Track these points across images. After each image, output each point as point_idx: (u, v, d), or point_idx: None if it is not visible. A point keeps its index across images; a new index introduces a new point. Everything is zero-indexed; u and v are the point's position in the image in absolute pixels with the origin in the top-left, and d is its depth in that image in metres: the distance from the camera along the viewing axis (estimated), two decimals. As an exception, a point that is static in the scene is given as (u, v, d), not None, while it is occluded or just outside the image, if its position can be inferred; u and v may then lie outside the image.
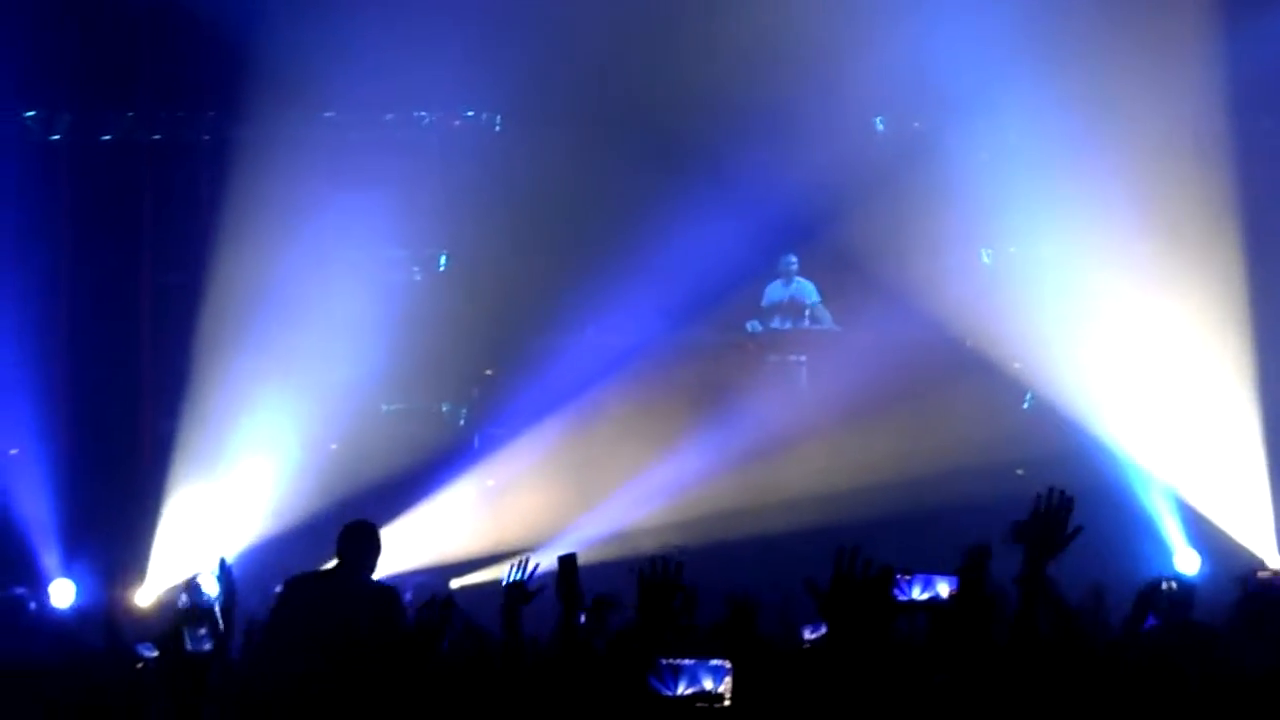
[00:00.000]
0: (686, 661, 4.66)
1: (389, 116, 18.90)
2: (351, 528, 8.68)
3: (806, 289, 18.92)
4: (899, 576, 4.97)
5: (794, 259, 18.89)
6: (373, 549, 8.62)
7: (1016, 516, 15.96)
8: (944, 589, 4.96)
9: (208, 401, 17.35)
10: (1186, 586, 9.74)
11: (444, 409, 18.79)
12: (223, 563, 9.96)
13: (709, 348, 18.82)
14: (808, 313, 18.80)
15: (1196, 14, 17.10)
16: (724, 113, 17.77)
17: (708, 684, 4.65)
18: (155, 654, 10.50)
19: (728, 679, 4.59)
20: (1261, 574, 13.75)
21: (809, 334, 18.77)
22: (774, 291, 19.06)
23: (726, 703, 4.57)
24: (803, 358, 18.34)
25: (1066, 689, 4.92)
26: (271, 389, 17.24)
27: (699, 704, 4.59)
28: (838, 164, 17.55)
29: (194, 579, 10.62)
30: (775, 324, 18.90)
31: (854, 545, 4.53)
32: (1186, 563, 15.99)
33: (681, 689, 4.63)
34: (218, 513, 16.57)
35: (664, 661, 4.65)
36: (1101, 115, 17.23)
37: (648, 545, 15.64)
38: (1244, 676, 5.38)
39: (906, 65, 17.46)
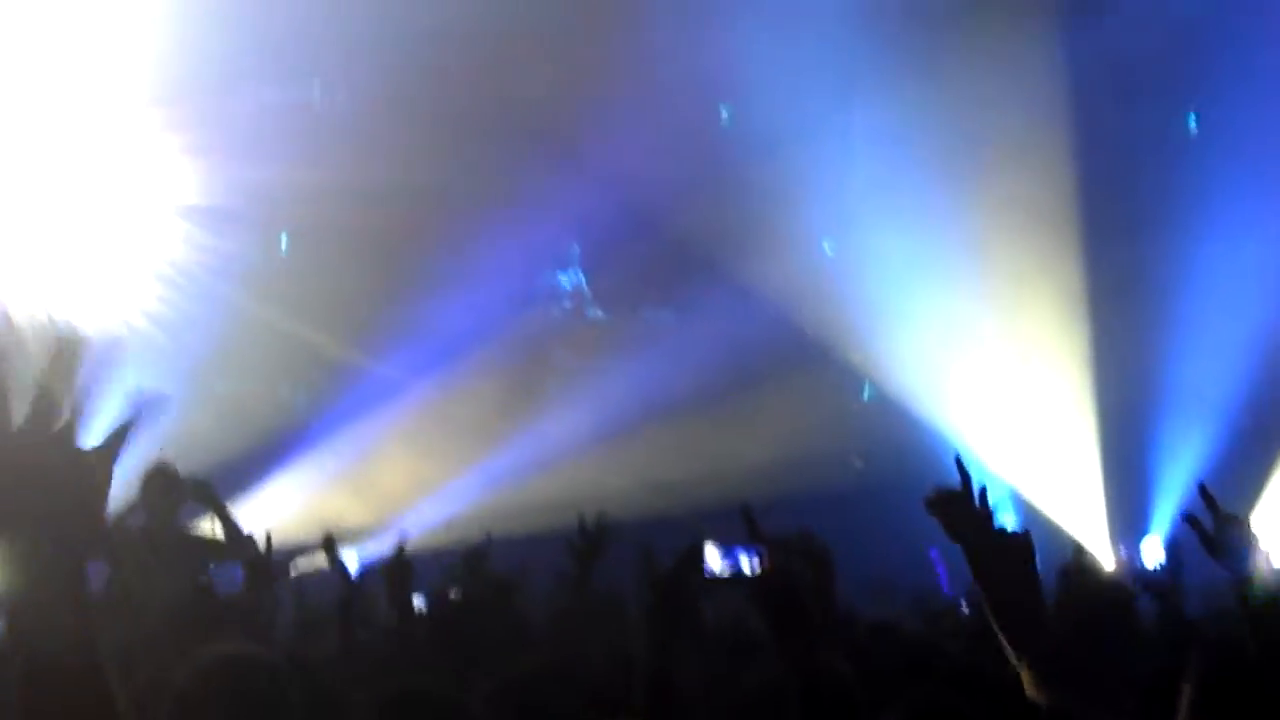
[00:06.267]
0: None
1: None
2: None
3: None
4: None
5: (578, 247, 19.02)
6: None
7: (853, 507, 15.95)
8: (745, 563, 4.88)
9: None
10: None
11: (281, 391, 18.46)
12: None
13: (553, 330, 18.83)
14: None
15: (1040, 8, 17.40)
16: (567, 102, 17.53)
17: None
18: None
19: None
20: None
21: (649, 323, 18.81)
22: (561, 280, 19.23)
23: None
24: (644, 346, 18.23)
25: None
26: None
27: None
28: (682, 152, 17.51)
29: None
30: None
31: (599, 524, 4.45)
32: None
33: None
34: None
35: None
36: (946, 107, 17.35)
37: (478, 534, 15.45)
38: None
39: (751, 57, 17.43)
